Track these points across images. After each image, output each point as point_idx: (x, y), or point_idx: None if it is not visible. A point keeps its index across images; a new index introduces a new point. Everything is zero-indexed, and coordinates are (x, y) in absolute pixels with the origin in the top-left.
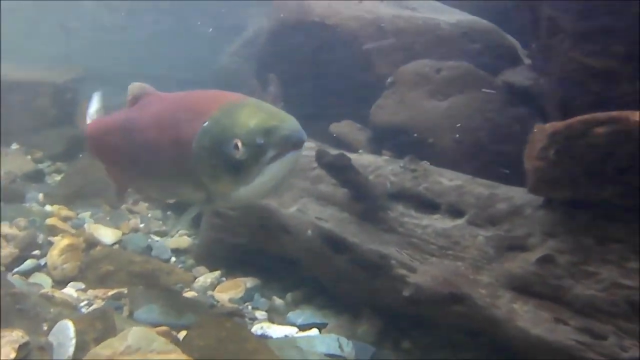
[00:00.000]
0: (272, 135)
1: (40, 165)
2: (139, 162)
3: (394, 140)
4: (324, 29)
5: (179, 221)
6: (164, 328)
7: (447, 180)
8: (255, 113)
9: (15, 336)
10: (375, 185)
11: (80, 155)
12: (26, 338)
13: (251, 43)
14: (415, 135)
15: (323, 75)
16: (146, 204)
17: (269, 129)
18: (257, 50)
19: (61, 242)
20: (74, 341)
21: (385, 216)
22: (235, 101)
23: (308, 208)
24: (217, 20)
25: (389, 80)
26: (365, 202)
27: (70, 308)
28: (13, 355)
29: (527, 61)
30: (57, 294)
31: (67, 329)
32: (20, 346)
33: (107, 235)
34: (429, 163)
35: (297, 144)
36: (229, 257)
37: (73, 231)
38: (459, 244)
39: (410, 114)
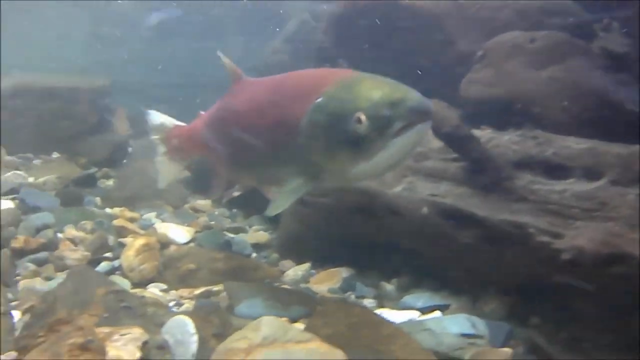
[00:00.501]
0: (399, 106)
1: (89, 171)
2: (237, 149)
3: (490, 114)
4: (398, 8)
5: (279, 200)
6: None
7: (575, 144)
8: (377, 86)
9: (136, 334)
10: (496, 155)
11: (125, 161)
12: (146, 336)
13: (294, 38)
14: (519, 106)
15: (398, 58)
16: (210, 202)
17: (395, 101)
18: (318, 40)
19: (135, 243)
20: (195, 337)
21: (512, 186)
22: (352, 77)
23: (416, 186)
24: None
25: (478, 53)
26: (488, 173)
27: (163, 307)
28: (138, 355)
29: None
30: (146, 293)
31: (185, 325)
32: (142, 344)
33: (180, 233)
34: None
35: (425, 115)
36: (316, 249)
37: (142, 232)
38: (607, 205)
39: (508, 85)
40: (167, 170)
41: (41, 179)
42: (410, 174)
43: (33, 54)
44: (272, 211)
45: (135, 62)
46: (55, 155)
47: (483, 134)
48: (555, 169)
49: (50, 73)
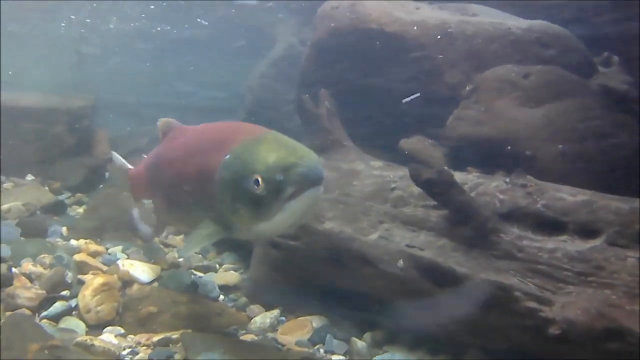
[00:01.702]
0: (291, 172)
1: (60, 197)
2: (168, 194)
3: (478, 155)
4: (383, 36)
5: (191, 243)
6: None
7: (569, 196)
8: (274, 148)
9: None
10: (482, 205)
11: (101, 186)
12: None
13: (281, 62)
14: (509, 148)
15: (383, 88)
16: (181, 237)
17: (287, 166)
18: (300, 66)
19: (94, 281)
20: None
21: (498, 240)
22: (256, 135)
23: (393, 234)
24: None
25: (467, 88)
26: (472, 225)
27: (113, 358)
28: None
29: (601, 68)
30: (96, 341)
31: None
32: None
33: (144, 272)
34: (532, 178)
35: (315, 181)
36: (287, 294)
37: (105, 268)
38: (604, 269)
39: (499, 124)
40: (134, 213)
41: (5, 206)
42: (387, 220)
43: (19, 71)
44: (183, 251)
45: (126, 80)
46: (29, 177)
47: (469, 178)
48: (546, 224)
49: (29, 92)
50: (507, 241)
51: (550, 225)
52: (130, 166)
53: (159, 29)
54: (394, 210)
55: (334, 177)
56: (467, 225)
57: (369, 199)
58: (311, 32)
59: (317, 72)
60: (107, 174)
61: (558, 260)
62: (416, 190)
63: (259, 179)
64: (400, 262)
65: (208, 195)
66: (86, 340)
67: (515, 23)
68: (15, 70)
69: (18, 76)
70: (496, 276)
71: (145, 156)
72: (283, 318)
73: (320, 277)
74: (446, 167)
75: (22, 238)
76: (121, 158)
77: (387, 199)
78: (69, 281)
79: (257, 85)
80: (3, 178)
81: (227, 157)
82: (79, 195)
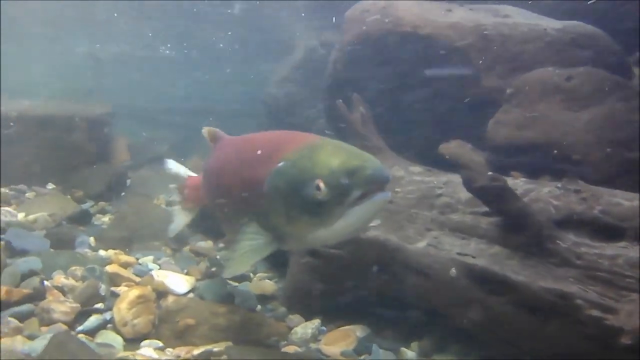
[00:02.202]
0: (357, 174)
1: (84, 206)
2: (218, 205)
3: (522, 159)
4: (417, 39)
5: (239, 260)
6: None
7: (626, 201)
8: (336, 153)
9: None
10: (536, 211)
11: (123, 194)
12: None
13: (302, 66)
14: (555, 152)
15: (417, 92)
16: (211, 244)
17: (353, 169)
18: (327, 70)
19: (129, 294)
20: None
21: (555, 248)
22: (312, 142)
23: (442, 242)
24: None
25: (508, 91)
26: (527, 232)
27: None
28: None
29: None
30: (138, 356)
31: None
32: None
33: (179, 283)
34: (584, 183)
35: (382, 184)
36: (328, 303)
37: (138, 279)
38: None
39: (542, 128)
40: (180, 219)
41: (32, 216)
42: (435, 228)
43: (34, 78)
44: (229, 272)
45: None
46: (50, 186)
47: (517, 183)
48: (603, 230)
49: (47, 99)
50: (564, 248)
51: (608, 231)
52: (190, 173)
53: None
54: (442, 217)
55: None
56: (522, 232)
57: (413, 206)
58: (335, 34)
59: (347, 77)
60: (128, 181)
61: (619, 267)
62: (464, 196)
63: (320, 184)
64: (453, 271)
65: (257, 206)
66: (127, 355)
67: (549, 24)
68: (28, 78)
69: (32, 84)
70: (555, 284)
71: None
72: (324, 328)
73: (364, 285)
74: (498, 175)
75: (52, 250)
76: (177, 165)
77: (433, 205)
78: (103, 293)
79: (277, 90)
80: (25, 187)
81: (281, 164)
82: (102, 203)
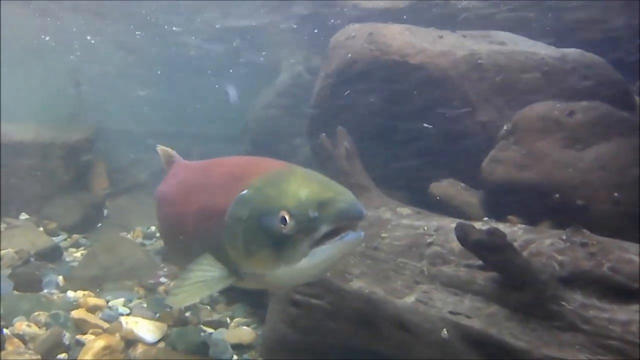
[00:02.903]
0: (327, 208)
1: (56, 239)
2: (172, 235)
3: (520, 202)
4: (406, 68)
5: (189, 291)
6: None
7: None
8: (305, 182)
9: None
10: (538, 268)
11: (99, 225)
12: None
13: (287, 92)
14: (557, 195)
15: (406, 125)
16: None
17: (323, 201)
18: (313, 98)
19: (95, 344)
20: None
21: (559, 310)
22: (281, 169)
23: (432, 298)
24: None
25: (505, 127)
26: (528, 291)
27: None
28: None
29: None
30: None
31: None
32: None
33: (149, 330)
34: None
35: (355, 220)
36: (307, 356)
37: (106, 325)
38: None
39: (543, 168)
40: None
41: None
42: (424, 281)
43: (15, 102)
44: (174, 300)
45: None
46: (23, 217)
47: (516, 232)
48: (614, 290)
49: (23, 124)
50: (570, 311)
51: (619, 292)
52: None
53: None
54: (432, 269)
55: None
56: (523, 291)
57: (401, 255)
58: (322, 61)
59: (332, 107)
60: (105, 211)
61: (633, 335)
62: (457, 246)
63: (286, 216)
64: (445, 332)
65: (216, 237)
66: None
67: (547, 52)
68: (8, 99)
69: (11, 106)
70: (560, 352)
71: None
72: None
73: (346, 340)
74: (496, 227)
75: (15, 292)
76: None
77: (423, 255)
78: (67, 342)
79: (262, 115)
80: None
81: (244, 192)
82: (75, 236)
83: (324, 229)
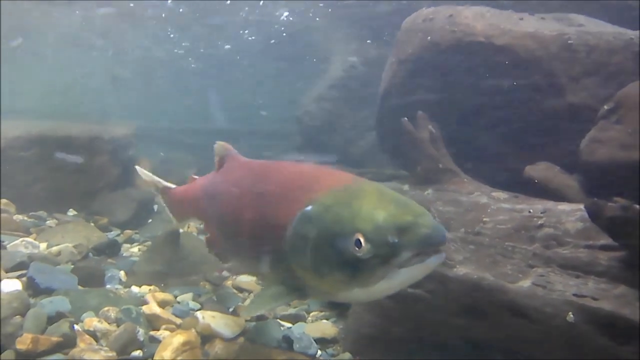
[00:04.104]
0: (409, 233)
1: (109, 235)
2: (228, 235)
3: (625, 183)
4: (492, 50)
5: (255, 304)
6: None
7: None
8: (380, 202)
9: None
10: None
11: (150, 220)
12: None
13: (341, 83)
14: None
15: (491, 110)
16: (255, 278)
17: (404, 226)
18: (382, 86)
19: (173, 340)
20: None
21: None
22: (349, 183)
23: (551, 281)
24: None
25: (606, 106)
26: None
27: None
28: None
29: None
30: None
31: None
32: None
33: (227, 325)
34: None
35: (439, 245)
36: (402, 350)
37: (178, 321)
38: None
39: None
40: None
41: (55, 248)
42: (539, 264)
43: (48, 98)
44: (245, 312)
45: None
46: (71, 213)
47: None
48: None
49: (67, 120)
50: None
51: None
52: (170, 185)
53: (202, 50)
54: (547, 251)
55: (454, 211)
56: None
57: (508, 239)
58: (377, 49)
59: (407, 94)
60: (156, 207)
61: None
62: (571, 226)
63: (362, 239)
64: (571, 316)
65: (275, 249)
66: None
67: (634, 32)
68: (38, 96)
69: (42, 102)
70: None
71: (195, 177)
72: None
73: (450, 334)
74: (632, 203)
75: (80, 287)
76: (148, 173)
77: (534, 238)
78: (141, 339)
79: (314, 109)
80: (44, 214)
81: (309, 207)
82: (128, 232)
83: (406, 255)
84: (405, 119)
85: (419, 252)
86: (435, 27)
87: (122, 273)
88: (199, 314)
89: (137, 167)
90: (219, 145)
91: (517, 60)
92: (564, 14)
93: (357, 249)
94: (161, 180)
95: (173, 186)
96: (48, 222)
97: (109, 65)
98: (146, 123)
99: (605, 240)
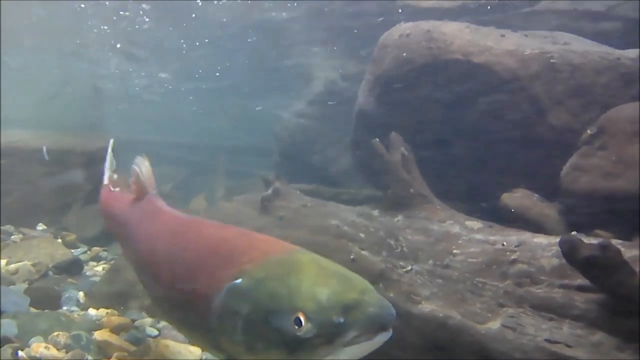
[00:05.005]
0: (356, 313)
1: (75, 252)
2: (143, 282)
3: (607, 214)
4: (469, 68)
5: None
6: None
7: None
8: (321, 278)
9: None
10: None
11: None
12: None
13: (320, 100)
14: None
15: (468, 130)
16: None
17: (350, 305)
18: (357, 104)
19: None
20: None
21: None
22: (283, 254)
23: (522, 324)
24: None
25: (589, 131)
26: None
27: None
28: None
29: None
30: None
31: None
32: None
33: (180, 354)
34: None
35: (387, 325)
36: None
37: (132, 348)
38: None
39: (635, 176)
40: None
41: (13, 266)
42: (510, 304)
43: (33, 108)
44: None
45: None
46: (40, 227)
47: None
48: None
49: (43, 131)
50: None
51: None
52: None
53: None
54: (519, 290)
55: (423, 241)
56: (634, 316)
57: (478, 274)
58: (357, 65)
59: (382, 112)
60: None
61: None
62: (547, 263)
63: (302, 319)
64: None
65: (201, 320)
66: None
67: (621, 52)
68: (24, 107)
69: (28, 114)
70: None
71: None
72: None
73: None
74: (609, 242)
75: (32, 309)
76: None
77: (506, 274)
78: None
79: (293, 126)
80: (12, 229)
81: (239, 281)
82: (96, 249)
83: (352, 334)
84: (377, 140)
85: (367, 333)
86: (411, 43)
87: (80, 294)
88: (150, 341)
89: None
90: (138, 173)
91: (496, 79)
92: (549, 31)
93: (296, 327)
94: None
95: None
96: (13, 236)
97: (89, 75)
98: (129, 135)
99: (583, 280)
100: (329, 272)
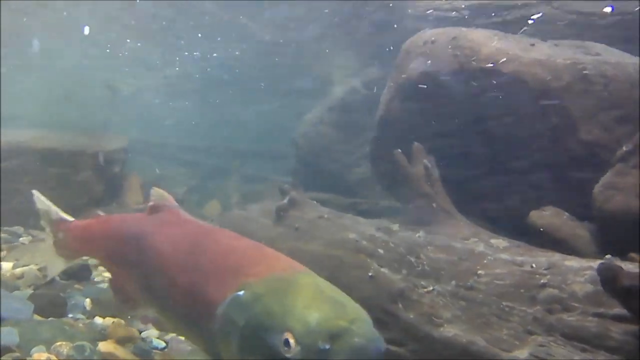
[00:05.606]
0: (342, 342)
1: (84, 257)
2: (152, 289)
3: None
4: (498, 78)
5: None
6: None
7: None
8: (315, 301)
9: None
10: None
11: None
12: None
13: (340, 107)
14: None
15: (496, 143)
16: None
17: (337, 333)
18: (378, 113)
19: None
20: None
21: None
22: (285, 272)
23: (552, 354)
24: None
25: (625, 147)
26: None
27: None
28: None
29: None
30: None
31: None
32: None
33: None
34: None
35: (371, 358)
36: None
37: None
38: None
39: None
40: (55, 266)
41: (19, 270)
42: (539, 331)
43: (44, 107)
44: None
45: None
46: None
47: None
48: None
49: (55, 131)
50: None
51: None
52: (62, 216)
53: (208, 70)
54: (550, 317)
55: (445, 259)
56: None
57: (505, 297)
58: (380, 71)
59: (404, 121)
60: None
61: None
62: (579, 288)
63: (291, 340)
64: None
65: (206, 325)
66: None
67: None
68: (37, 106)
69: (40, 113)
70: None
71: (100, 213)
72: None
73: None
74: None
75: (36, 316)
76: (44, 200)
77: (536, 299)
78: None
79: (312, 132)
80: (21, 230)
81: (241, 293)
82: None
83: None
84: (399, 150)
85: None
86: (436, 50)
87: (87, 301)
88: (156, 355)
89: (33, 191)
90: (156, 191)
91: (525, 89)
92: (580, 41)
93: (285, 348)
94: (58, 211)
95: (70, 219)
96: (22, 238)
97: (104, 75)
98: (144, 137)
99: (620, 309)
100: (325, 297)
